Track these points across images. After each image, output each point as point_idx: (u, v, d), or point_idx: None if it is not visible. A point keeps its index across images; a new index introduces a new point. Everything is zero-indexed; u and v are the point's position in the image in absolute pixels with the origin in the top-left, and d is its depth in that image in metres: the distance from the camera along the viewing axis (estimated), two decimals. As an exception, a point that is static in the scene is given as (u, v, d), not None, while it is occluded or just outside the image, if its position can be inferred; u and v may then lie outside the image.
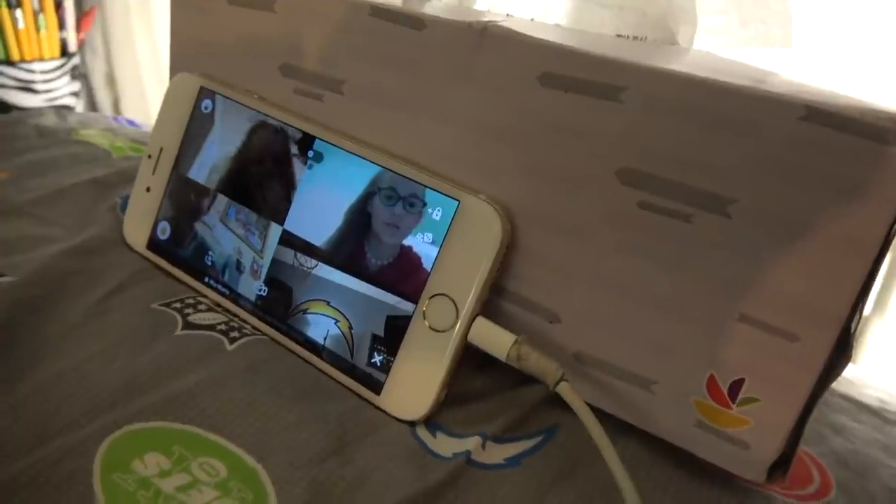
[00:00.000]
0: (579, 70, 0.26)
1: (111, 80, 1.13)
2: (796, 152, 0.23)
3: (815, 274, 0.23)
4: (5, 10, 0.84)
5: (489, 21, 0.29)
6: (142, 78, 1.12)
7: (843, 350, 0.24)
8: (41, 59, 0.90)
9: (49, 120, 0.56)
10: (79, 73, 0.98)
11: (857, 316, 0.24)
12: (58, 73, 0.92)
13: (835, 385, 0.39)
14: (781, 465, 0.26)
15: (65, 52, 0.94)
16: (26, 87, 0.89)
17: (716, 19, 0.33)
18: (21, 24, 0.87)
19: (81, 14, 0.99)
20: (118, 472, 0.25)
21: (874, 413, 0.37)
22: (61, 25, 0.92)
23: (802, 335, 0.24)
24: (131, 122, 0.63)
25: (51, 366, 0.29)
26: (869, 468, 0.32)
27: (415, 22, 0.30)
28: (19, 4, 0.86)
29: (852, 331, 0.24)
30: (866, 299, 0.23)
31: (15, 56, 0.87)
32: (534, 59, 0.27)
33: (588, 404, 0.28)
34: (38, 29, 0.89)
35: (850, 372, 0.42)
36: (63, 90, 0.95)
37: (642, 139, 0.25)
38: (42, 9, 0.88)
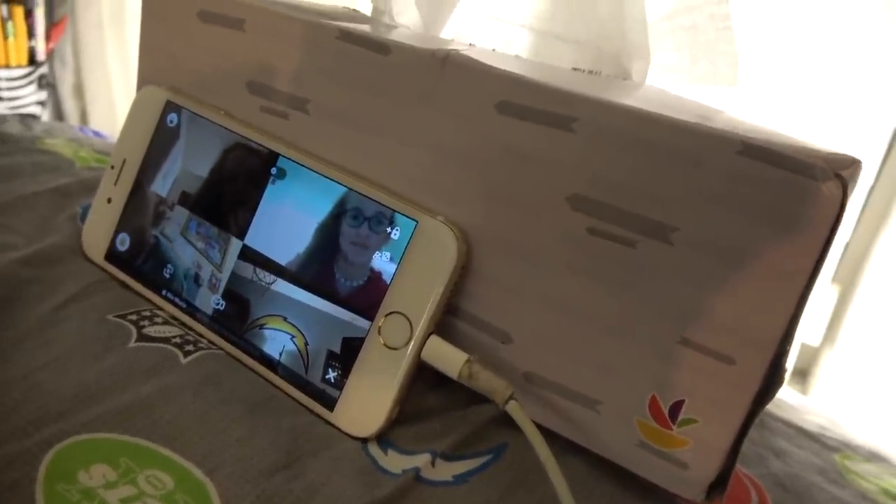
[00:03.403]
0: (534, 100, 0.27)
1: (79, 91, 1.12)
2: (733, 185, 0.24)
3: (751, 301, 0.25)
4: (-27, 17, 0.84)
5: (451, 49, 0.30)
6: (111, 90, 1.12)
7: (776, 374, 0.25)
8: (7, 67, 0.89)
9: (13, 128, 0.56)
10: (46, 83, 0.97)
11: (790, 341, 0.25)
12: (24, 81, 0.92)
13: (778, 411, 0.40)
14: (719, 485, 0.27)
15: (33, 61, 0.93)
16: (-10, 94, 0.88)
17: (669, 56, 0.35)
18: (-11, 31, 0.86)
19: (51, 24, 0.98)
20: (63, 482, 0.25)
21: (814, 438, 0.38)
22: (30, 34, 0.92)
23: (739, 359, 0.25)
24: (97, 134, 0.62)
25: (1, 373, 0.29)
26: (806, 491, 0.33)
27: (380, 47, 0.31)
28: (-12, 11, 0.85)
29: (785, 356, 0.25)
30: (798, 326, 0.25)
31: (-19, 63, 0.86)
32: (492, 88, 0.28)
33: (537, 423, 0.29)
34: (5, 37, 0.88)
35: (793, 398, 0.44)
36: (29, 98, 0.94)
37: (592, 168, 0.27)
38: (11, 16, 0.88)
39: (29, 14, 0.91)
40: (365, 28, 0.33)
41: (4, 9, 0.87)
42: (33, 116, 0.96)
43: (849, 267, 0.98)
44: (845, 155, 0.24)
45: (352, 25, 0.32)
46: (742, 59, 0.34)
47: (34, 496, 0.24)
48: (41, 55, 0.94)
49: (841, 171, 0.23)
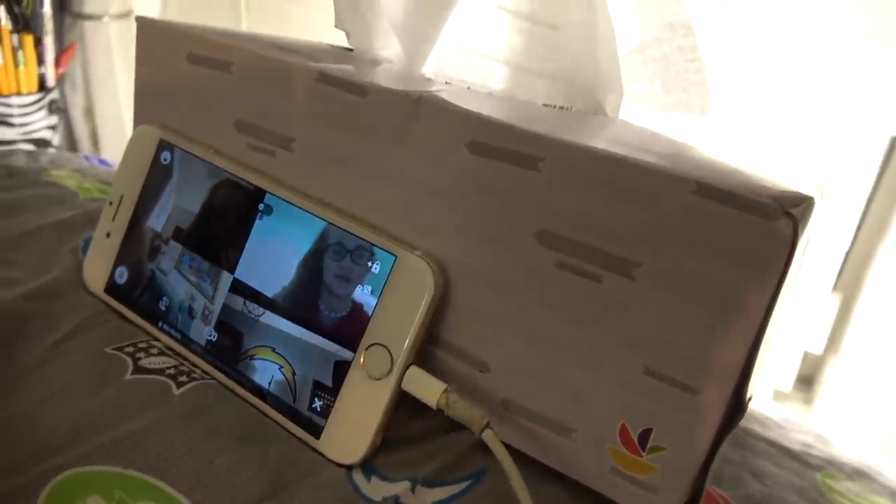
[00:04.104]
0: (502, 140, 0.29)
1: (90, 114, 1.15)
2: (690, 223, 0.25)
3: (710, 334, 0.26)
4: (-15, 48, 0.87)
5: (424, 91, 0.31)
6: (121, 112, 1.14)
7: (738, 403, 0.26)
8: (19, 94, 0.92)
9: (20, 161, 0.58)
10: (57, 108, 1.00)
11: (751, 372, 0.26)
12: (35, 107, 0.94)
13: (762, 430, 0.41)
14: (689, 509, 0.28)
15: (43, 87, 0.95)
16: (2, 121, 0.91)
17: (642, 87, 0.36)
18: (0, 61, 0.88)
19: (61, 50, 1.01)
20: (59, 514, 0.26)
21: (795, 457, 0.39)
22: (40, 61, 0.94)
23: (701, 389, 0.26)
24: (103, 162, 0.64)
25: (2, 409, 0.31)
26: (782, 511, 0.33)
27: (357, 89, 0.32)
28: (-1, 41, 0.88)
29: (746, 385, 0.26)
30: (758, 356, 0.26)
31: (-7, 91, 0.89)
32: (463, 128, 0.30)
33: (514, 449, 0.30)
34: (16, 65, 0.91)
35: (779, 415, 0.45)
36: (40, 123, 0.96)
37: (557, 205, 0.28)
38: (21, 46, 0.90)
39: (38, 42, 0.93)
40: (345, 68, 0.34)
41: (15, 38, 0.90)
42: (45, 141, 0.98)
43: (851, 275, 0.97)
44: (797, 192, 0.24)
45: (331, 66, 0.34)
46: (714, 89, 0.34)
47: (32, 528, 0.25)
48: (51, 81, 0.97)
49: (791, 209, 0.24)
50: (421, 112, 0.31)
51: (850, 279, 0.98)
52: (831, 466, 0.39)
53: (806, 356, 1.03)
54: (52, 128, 1.00)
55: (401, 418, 0.32)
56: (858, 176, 0.93)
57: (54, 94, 0.99)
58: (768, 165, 0.32)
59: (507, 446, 0.29)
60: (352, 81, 0.32)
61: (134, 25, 0.40)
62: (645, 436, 0.28)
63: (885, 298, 0.91)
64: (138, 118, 0.41)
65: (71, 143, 1.16)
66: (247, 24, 1.13)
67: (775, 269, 0.24)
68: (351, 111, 0.32)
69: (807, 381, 1.05)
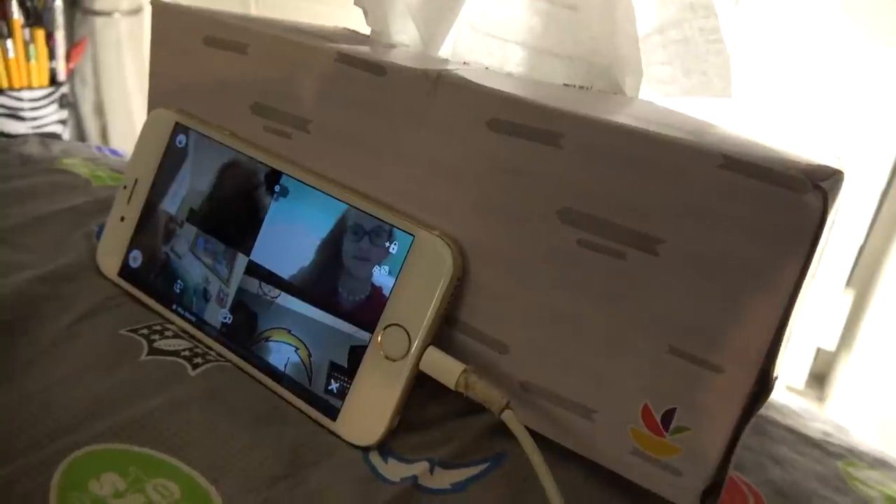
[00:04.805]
0: (523, 117, 0.28)
1: (100, 109, 1.15)
2: (716, 198, 0.25)
3: (737, 311, 0.25)
4: (-4, 41, 0.87)
5: (443, 69, 0.31)
6: (130, 109, 1.15)
7: (765, 382, 0.26)
8: (30, 88, 0.92)
9: (33, 149, 0.58)
10: (67, 102, 1.00)
11: (777, 351, 0.25)
12: (46, 101, 0.94)
13: (781, 418, 0.40)
14: (713, 492, 0.27)
15: (53, 81, 0.96)
16: (13, 115, 0.91)
17: (662, 69, 0.35)
18: (11, 55, 0.89)
19: (72, 45, 1.01)
20: (75, 491, 0.26)
21: (816, 445, 0.38)
22: (51, 55, 0.94)
23: (727, 368, 0.26)
24: (114, 152, 0.64)
25: (18, 388, 0.30)
26: (805, 498, 0.33)
27: (376, 68, 0.32)
28: (10, 35, 0.88)
29: (774, 364, 0.25)
30: (785, 335, 0.25)
31: (4, 84, 0.89)
32: (482, 106, 0.29)
33: (534, 431, 0.30)
34: (28, 59, 0.91)
35: (799, 405, 0.44)
36: (50, 118, 0.97)
37: (579, 182, 0.27)
38: (32, 40, 0.91)
39: (50, 37, 0.93)
40: (363, 49, 0.34)
41: (27, 32, 0.90)
42: (55, 135, 0.99)
43: (864, 271, 0.96)
44: (826, 165, 0.24)
45: (349, 47, 0.34)
46: (735, 71, 0.34)
47: (48, 504, 0.25)
48: (62, 76, 0.97)
49: (821, 182, 0.23)
50: (439, 90, 0.30)
51: (863, 275, 0.97)
52: (852, 455, 0.39)
53: (819, 353, 1.02)
54: (63, 122, 1.00)
55: (419, 401, 0.32)
56: (872, 171, 0.92)
57: (65, 89, 0.99)
58: (792, 144, 0.31)
59: (526, 429, 0.29)
60: (370, 61, 0.32)
61: (144, 22, 0.40)
62: (668, 416, 0.27)
63: (899, 295, 0.90)
64: (153, 102, 0.41)
65: (80, 138, 1.16)
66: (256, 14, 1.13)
67: (805, 243, 0.24)
68: (369, 91, 0.32)
69: (820, 378, 1.04)
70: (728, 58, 0.34)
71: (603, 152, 0.27)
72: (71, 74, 1.03)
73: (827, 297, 0.94)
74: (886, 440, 0.89)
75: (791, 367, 1.00)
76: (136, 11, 1.13)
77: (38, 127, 0.96)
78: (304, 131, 0.35)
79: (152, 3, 0.39)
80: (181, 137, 0.38)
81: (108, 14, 1.09)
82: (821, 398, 1.03)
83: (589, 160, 0.27)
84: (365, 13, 0.37)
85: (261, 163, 0.35)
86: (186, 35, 0.38)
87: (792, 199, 0.23)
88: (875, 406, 0.91)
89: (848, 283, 0.98)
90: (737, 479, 0.33)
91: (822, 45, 0.88)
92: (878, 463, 0.39)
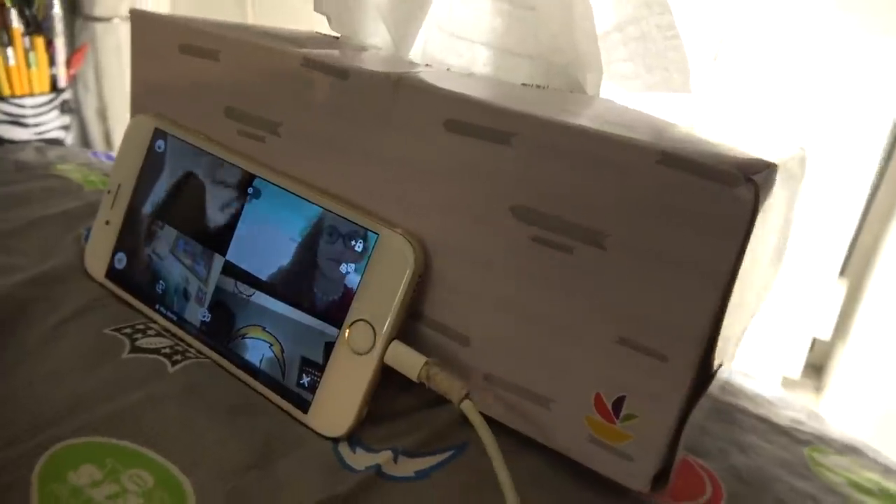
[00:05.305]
0: (476, 117, 0.29)
1: (103, 114, 1.17)
2: (656, 192, 0.26)
3: (678, 300, 0.26)
4: (-3, 49, 0.89)
5: (405, 72, 0.32)
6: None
7: (707, 370, 0.27)
8: (31, 95, 0.94)
9: (29, 155, 0.60)
10: (69, 108, 1.02)
11: (717, 338, 0.26)
12: (47, 107, 0.96)
13: (752, 406, 0.41)
14: (663, 476, 0.28)
15: (55, 88, 0.97)
16: (16, 121, 0.93)
17: (624, 66, 0.36)
18: (12, 62, 0.91)
19: (72, 51, 1.03)
20: (55, 482, 0.27)
21: (784, 432, 0.39)
22: (52, 62, 0.96)
23: (670, 356, 0.27)
24: (109, 157, 0.66)
25: (4, 387, 0.32)
26: (765, 482, 0.34)
27: (339, 72, 0.33)
28: (11, 43, 0.90)
29: (713, 351, 0.26)
30: (723, 323, 0.26)
31: (6, 92, 0.91)
32: (439, 107, 0.30)
33: (497, 421, 0.31)
34: (28, 66, 0.93)
35: (771, 393, 0.45)
36: (52, 124, 0.99)
37: (530, 179, 0.28)
38: (33, 47, 0.93)
39: (50, 44, 0.95)
40: (329, 53, 0.35)
41: (27, 40, 0.92)
42: (58, 140, 1.01)
43: (858, 261, 0.96)
44: (759, 159, 0.25)
45: (315, 51, 0.35)
46: (692, 66, 0.35)
47: (29, 496, 0.26)
48: (62, 82, 0.99)
49: (753, 175, 0.24)
50: (400, 93, 0.32)
51: (857, 264, 0.97)
52: (820, 442, 0.39)
53: (814, 343, 1.02)
54: (66, 128, 1.02)
55: (389, 393, 0.33)
56: (864, 160, 0.92)
57: (66, 95, 1.01)
58: (746, 140, 0.32)
59: (489, 419, 0.30)
60: (334, 65, 0.33)
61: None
62: (619, 404, 0.28)
63: (893, 283, 0.90)
64: (135, 108, 0.42)
65: (84, 143, 1.18)
66: (253, 22, 1.14)
67: (738, 233, 0.25)
68: (334, 94, 0.33)
69: (817, 368, 1.04)
70: (685, 54, 0.34)
71: (550, 150, 0.28)
72: (72, 80, 1.05)
73: (821, 288, 0.94)
74: (884, 428, 0.89)
75: (787, 358, 1.00)
76: (136, 16, 1.15)
77: (41, 133, 0.98)
78: (275, 135, 0.36)
79: (130, 12, 0.40)
80: (160, 142, 0.40)
81: (107, 20, 1.11)
82: (818, 388, 1.03)
83: (538, 158, 0.28)
84: (329, 19, 0.38)
85: (235, 166, 0.37)
86: (163, 43, 0.39)
87: (725, 193, 0.24)
88: (872, 395, 0.92)
89: (842, 273, 0.98)
90: (695, 465, 0.34)
91: (813, 34, 0.88)
92: (848, 449, 0.40)
